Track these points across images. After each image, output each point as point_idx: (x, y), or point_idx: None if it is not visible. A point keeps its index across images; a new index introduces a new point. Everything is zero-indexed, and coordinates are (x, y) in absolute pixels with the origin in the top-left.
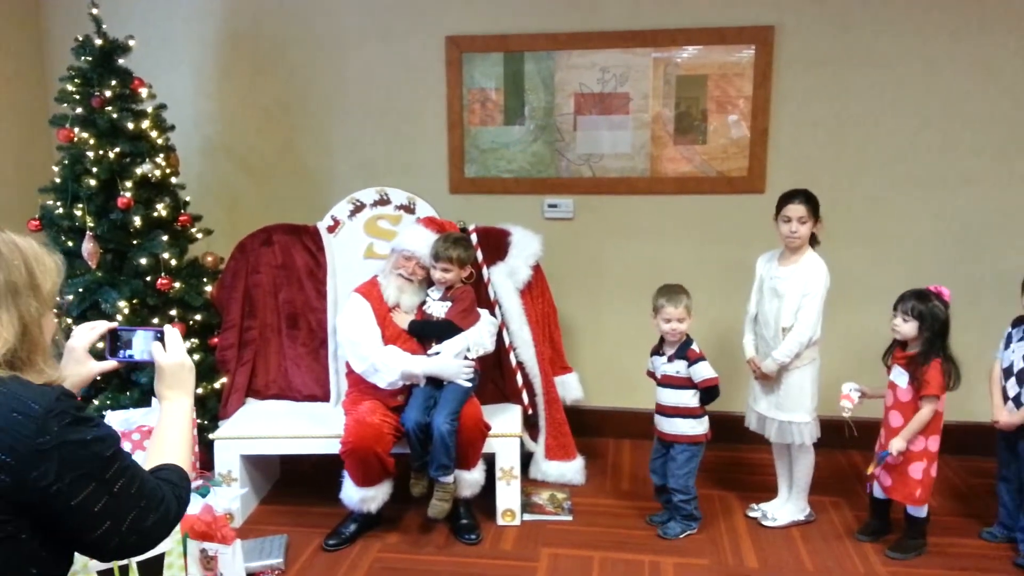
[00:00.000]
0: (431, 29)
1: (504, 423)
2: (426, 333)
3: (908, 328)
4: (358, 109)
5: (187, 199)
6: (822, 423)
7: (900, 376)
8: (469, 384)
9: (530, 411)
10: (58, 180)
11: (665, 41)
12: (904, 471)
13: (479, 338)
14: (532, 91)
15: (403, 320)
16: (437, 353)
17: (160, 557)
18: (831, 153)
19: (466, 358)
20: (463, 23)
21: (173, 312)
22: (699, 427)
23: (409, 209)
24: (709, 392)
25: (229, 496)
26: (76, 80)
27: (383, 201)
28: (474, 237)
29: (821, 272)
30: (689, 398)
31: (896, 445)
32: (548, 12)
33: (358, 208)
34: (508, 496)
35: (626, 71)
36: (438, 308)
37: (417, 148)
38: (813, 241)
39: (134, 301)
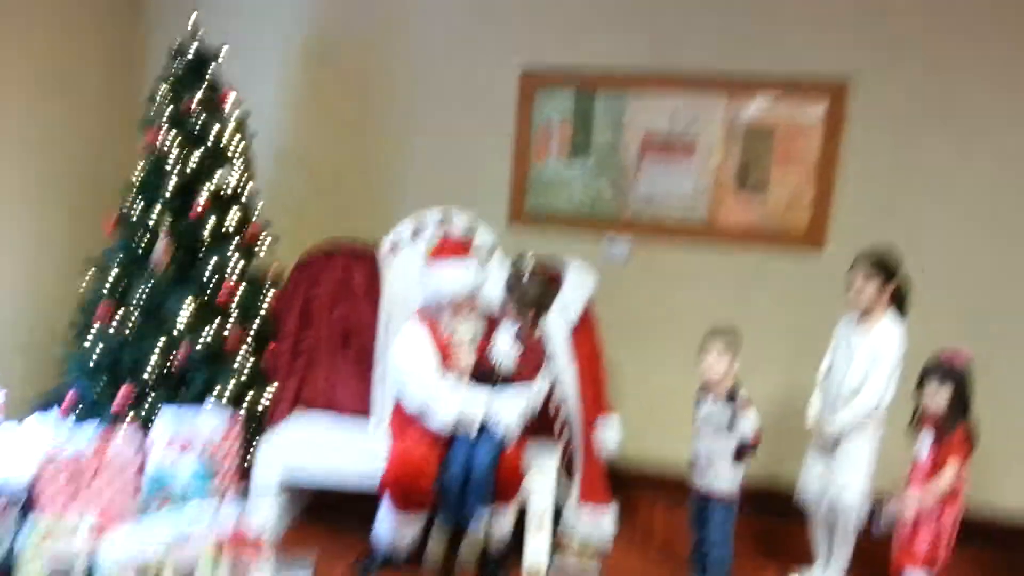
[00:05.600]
0: (506, 62)
1: (541, 462)
2: (493, 385)
3: (943, 396)
4: (427, 132)
5: (258, 207)
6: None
7: (924, 439)
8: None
9: (567, 452)
10: (140, 180)
11: (737, 88)
12: (913, 535)
13: (539, 393)
14: (600, 129)
15: (466, 354)
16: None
17: (192, 565)
18: (897, 210)
19: None
20: (538, 57)
21: (233, 318)
22: (732, 479)
23: (470, 233)
24: (749, 444)
25: (264, 511)
26: (168, 84)
27: (445, 223)
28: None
29: (894, 338)
30: (726, 446)
31: (909, 500)
32: (622, 52)
33: (420, 229)
34: (537, 541)
35: (695, 117)
36: (507, 354)
37: (480, 175)
38: (900, 306)
39: (197, 305)
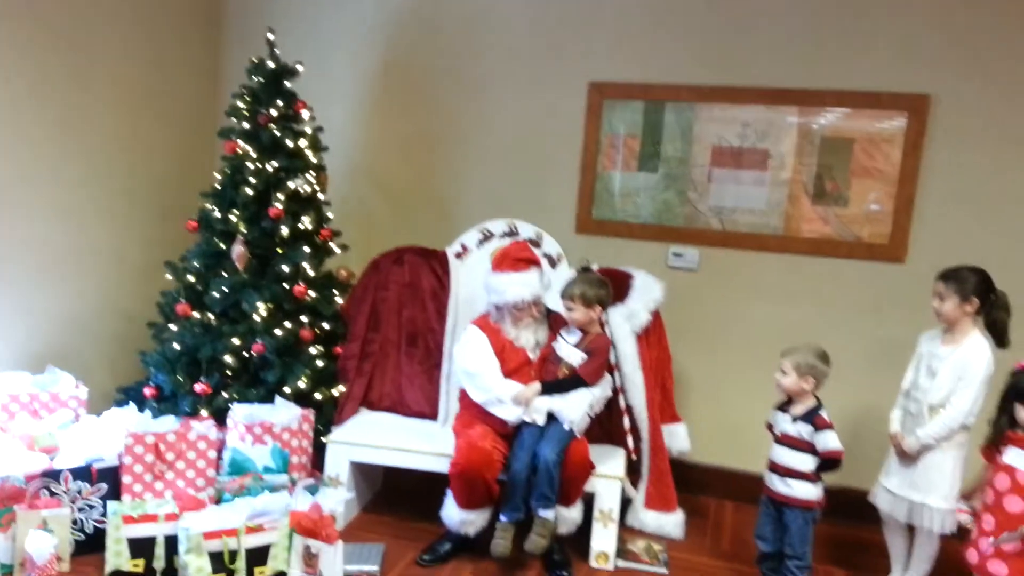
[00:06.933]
0: (575, 74)
1: (607, 464)
2: (559, 391)
3: None
4: (494, 143)
5: (330, 215)
6: None
7: (1021, 458)
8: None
9: (634, 456)
10: (218, 187)
11: (813, 101)
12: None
13: (602, 396)
14: (669, 140)
15: (528, 358)
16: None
17: (266, 547)
18: (979, 229)
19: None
20: (607, 70)
21: (305, 318)
22: (813, 491)
23: (536, 243)
24: (831, 463)
25: (335, 498)
26: (246, 97)
27: (511, 233)
28: None
29: (982, 356)
30: (806, 462)
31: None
32: (692, 64)
33: (486, 237)
34: (604, 539)
35: (767, 128)
36: (572, 355)
37: (547, 186)
38: (995, 328)
39: (271, 304)
